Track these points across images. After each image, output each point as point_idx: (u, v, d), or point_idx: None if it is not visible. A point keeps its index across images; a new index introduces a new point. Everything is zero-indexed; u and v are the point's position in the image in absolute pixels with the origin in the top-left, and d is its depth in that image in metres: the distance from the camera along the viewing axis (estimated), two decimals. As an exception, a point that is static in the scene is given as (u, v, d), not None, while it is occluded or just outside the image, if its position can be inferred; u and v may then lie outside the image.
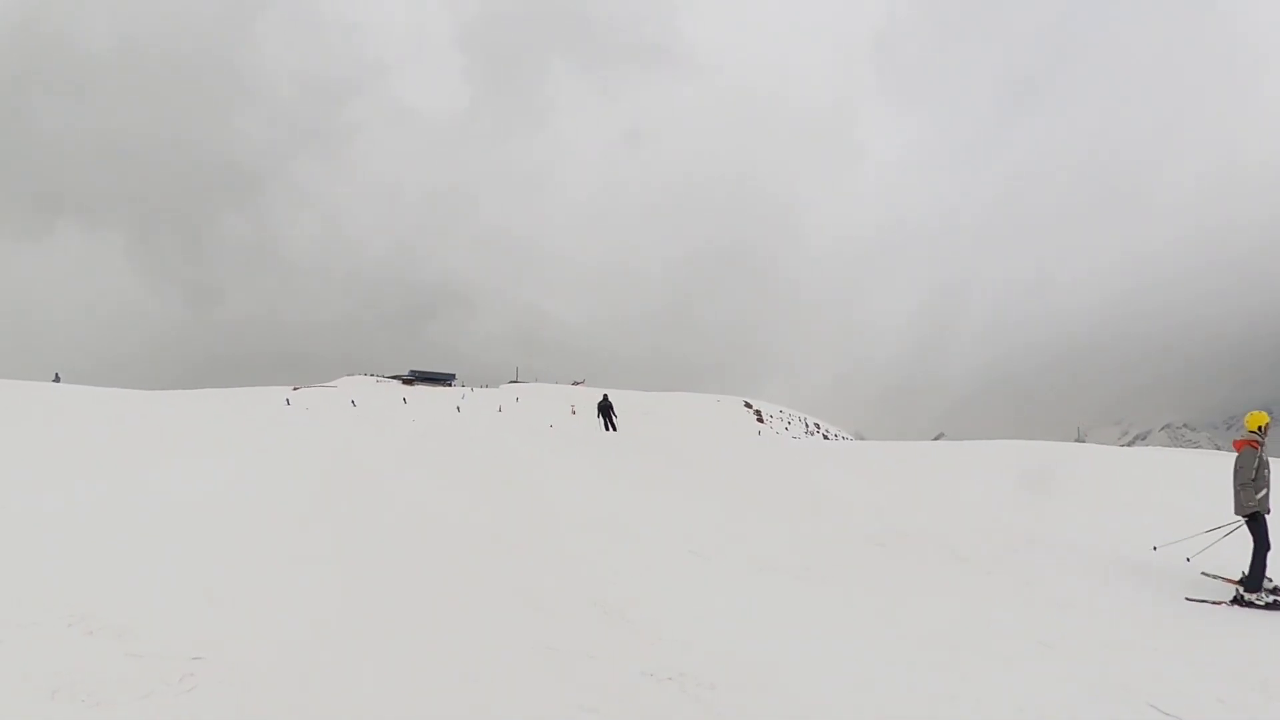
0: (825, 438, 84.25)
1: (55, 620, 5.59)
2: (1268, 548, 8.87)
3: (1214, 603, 8.85)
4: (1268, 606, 8.67)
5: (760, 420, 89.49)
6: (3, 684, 4.61)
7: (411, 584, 7.34)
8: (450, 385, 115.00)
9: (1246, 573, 8.93)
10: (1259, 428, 9.29)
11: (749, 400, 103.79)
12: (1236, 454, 9.23)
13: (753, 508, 12.22)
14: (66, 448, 12.88)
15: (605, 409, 33.43)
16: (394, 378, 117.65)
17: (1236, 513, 9.18)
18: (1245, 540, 9.03)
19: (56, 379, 44.47)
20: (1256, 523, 9.02)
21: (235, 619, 6.02)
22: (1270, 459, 9.16)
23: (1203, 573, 9.48)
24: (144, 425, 17.12)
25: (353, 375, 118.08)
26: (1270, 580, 8.88)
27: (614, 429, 32.40)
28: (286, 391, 75.67)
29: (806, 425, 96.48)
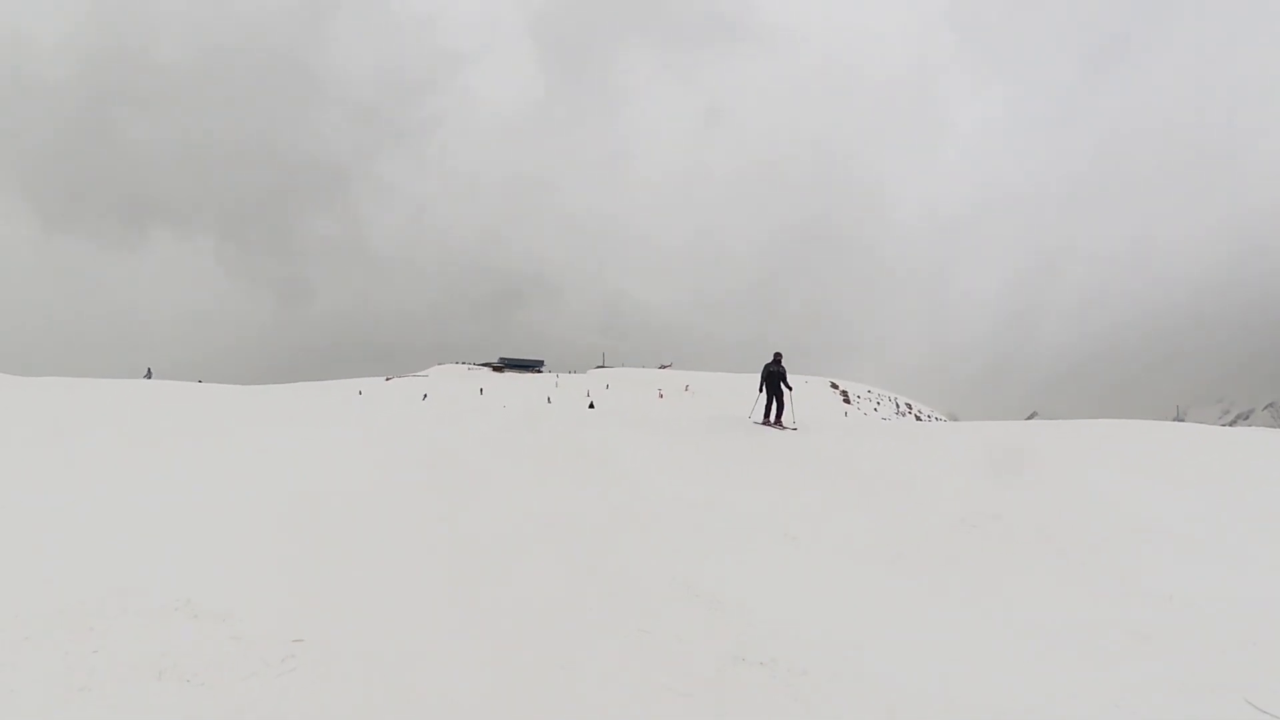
0: (917, 418, 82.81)
1: (161, 605, 5.93)
2: None
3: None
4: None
5: (847, 401, 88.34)
6: (111, 666, 4.93)
7: (506, 569, 7.52)
8: (539, 371, 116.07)
9: None
10: None
11: (835, 381, 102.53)
12: None
13: (843, 491, 12.11)
14: (162, 439, 13.41)
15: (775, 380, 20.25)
16: (484, 365, 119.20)
17: None
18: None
19: (148, 375, 45.50)
20: None
21: (336, 603, 6.28)
22: None
23: None
24: (239, 417, 17.73)
25: (444, 364, 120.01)
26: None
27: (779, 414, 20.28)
28: (379, 383, 77.40)
29: (897, 405, 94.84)
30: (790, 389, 20.16)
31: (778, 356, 20.14)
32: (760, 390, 20.20)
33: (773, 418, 19.82)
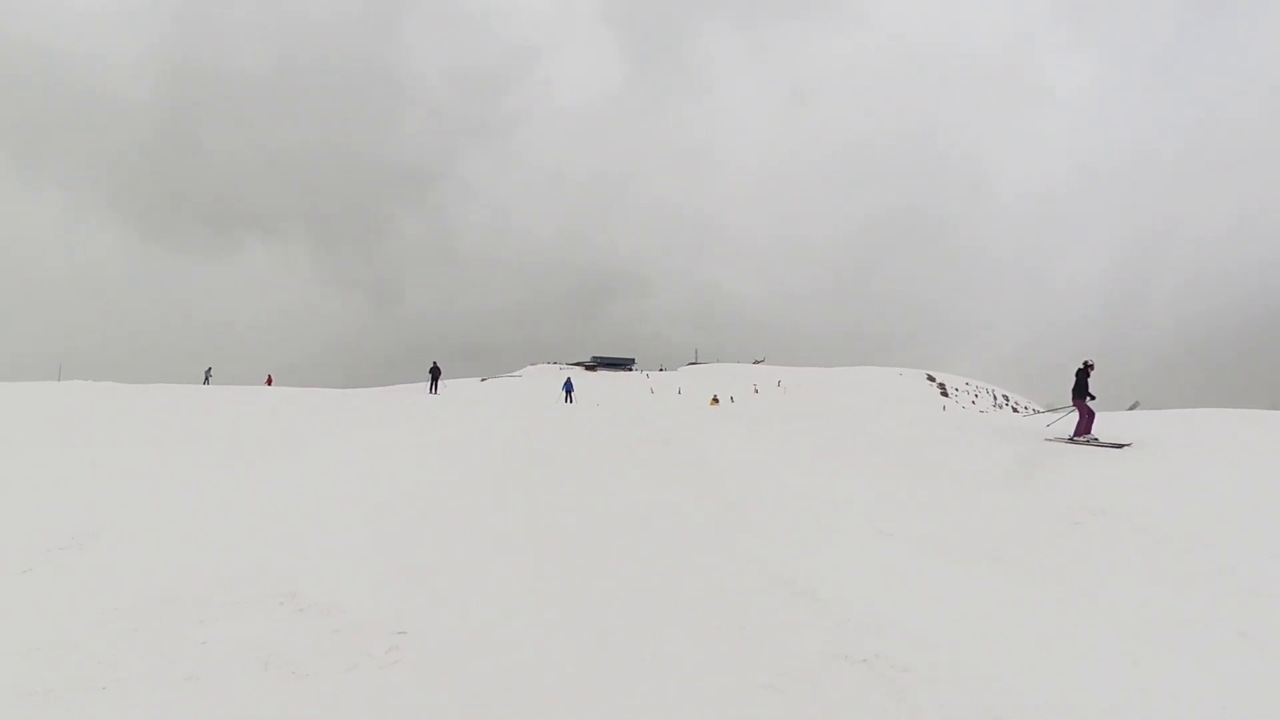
0: (1014, 410, 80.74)
1: (267, 599, 6.11)
2: None
3: None
4: None
5: (944, 394, 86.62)
6: (219, 656, 5.09)
7: (601, 564, 7.49)
8: (630, 370, 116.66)
9: None
10: None
11: (932, 373, 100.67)
12: None
13: (941, 486, 11.79)
14: (264, 440, 13.81)
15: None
16: (577, 364, 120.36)
17: None
18: None
19: (207, 377, 45.66)
20: None
21: (436, 597, 6.35)
22: None
23: None
24: (338, 418, 18.18)
25: (536, 364, 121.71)
26: None
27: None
28: (474, 384, 78.79)
29: (995, 398, 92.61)
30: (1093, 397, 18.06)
31: (1088, 365, 18.04)
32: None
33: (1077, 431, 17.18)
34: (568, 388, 40.60)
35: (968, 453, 14.68)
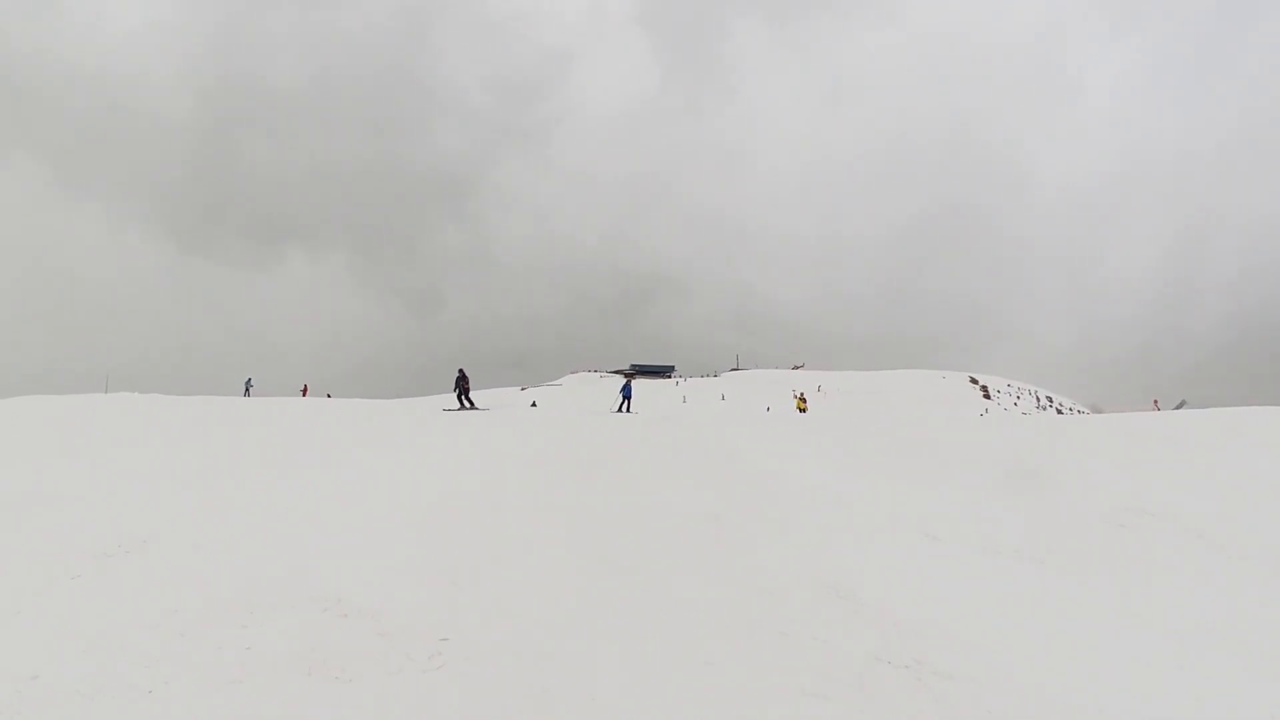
0: (1058, 411, 79.59)
1: (311, 604, 6.17)
2: None
3: None
4: None
5: (987, 396, 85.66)
6: (263, 660, 5.15)
7: (643, 570, 7.46)
8: (669, 377, 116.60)
9: None
10: None
11: (974, 375, 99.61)
12: None
13: (983, 488, 11.62)
14: (307, 448, 13.97)
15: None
16: (616, 372, 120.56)
17: None
18: None
19: (248, 389, 44.76)
20: None
21: (479, 602, 6.36)
22: None
23: None
24: (381, 428, 18.33)
25: (576, 372, 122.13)
26: None
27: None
28: (514, 392, 79.15)
29: (1038, 399, 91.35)
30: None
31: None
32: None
33: None
34: (626, 393, 34.06)
35: (1010, 454, 14.48)
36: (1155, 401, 21.73)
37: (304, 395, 45.34)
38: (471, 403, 29.06)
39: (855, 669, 5.39)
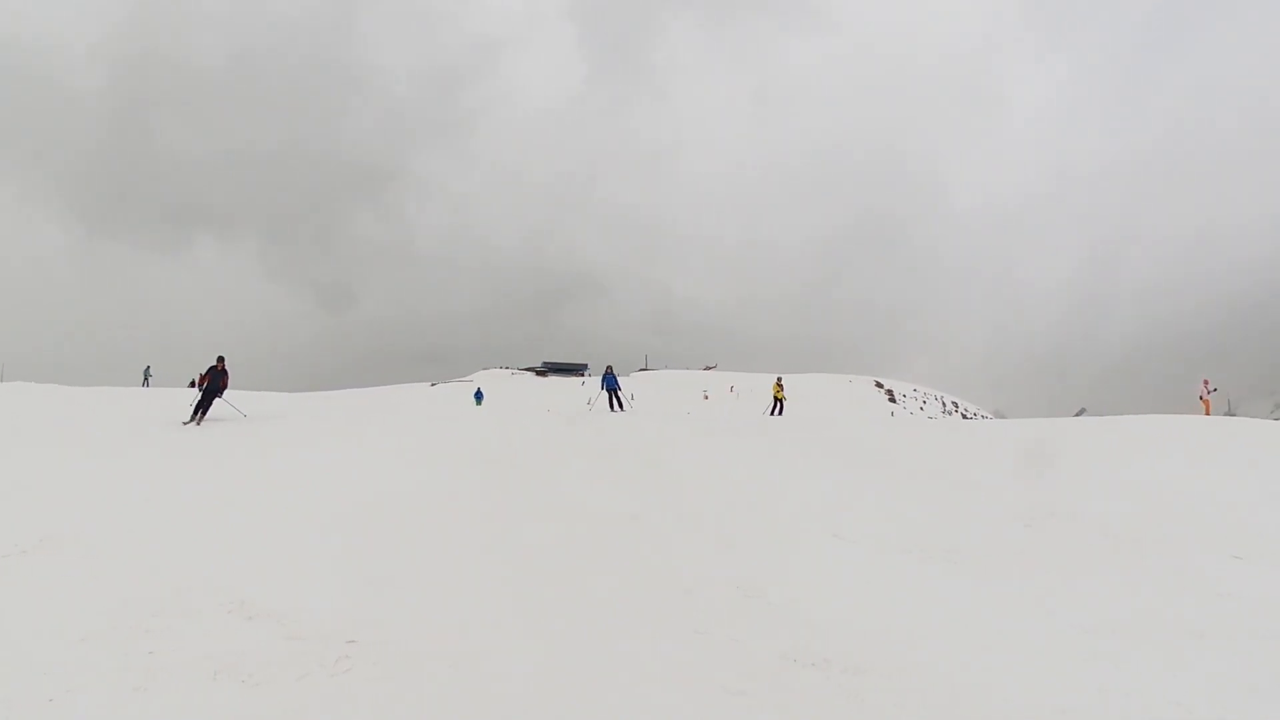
0: (964, 416, 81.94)
1: (216, 606, 6.01)
2: None
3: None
4: None
5: (892, 400, 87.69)
6: (168, 666, 4.99)
7: (557, 569, 7.50)
8: (582, 375, 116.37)
9: None
10: None
11: (880, 380, 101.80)
12: None
13: (891, 489, 11.95)
14: (213, 444, 13.62)
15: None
16: (528, 369, 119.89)
17: None
18: None
19: (146, 377, 42.77)
20: None
21: (390, 604, 6.30)
22: None
23: None
24: (293, 422, 17.96)
25: (488, 368, 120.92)
26: None
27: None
28: (424, 388, 78.05)
29: (943, 404, 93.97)
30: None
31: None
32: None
33: None
34: (610, 385, 26.53)
35: (916, 456, 14.91)
36: (1205, 381, 22.36)
37: (197, 385, 42.62)
38: (204, 408, 18.33)
39: (769, 667, 5.49)
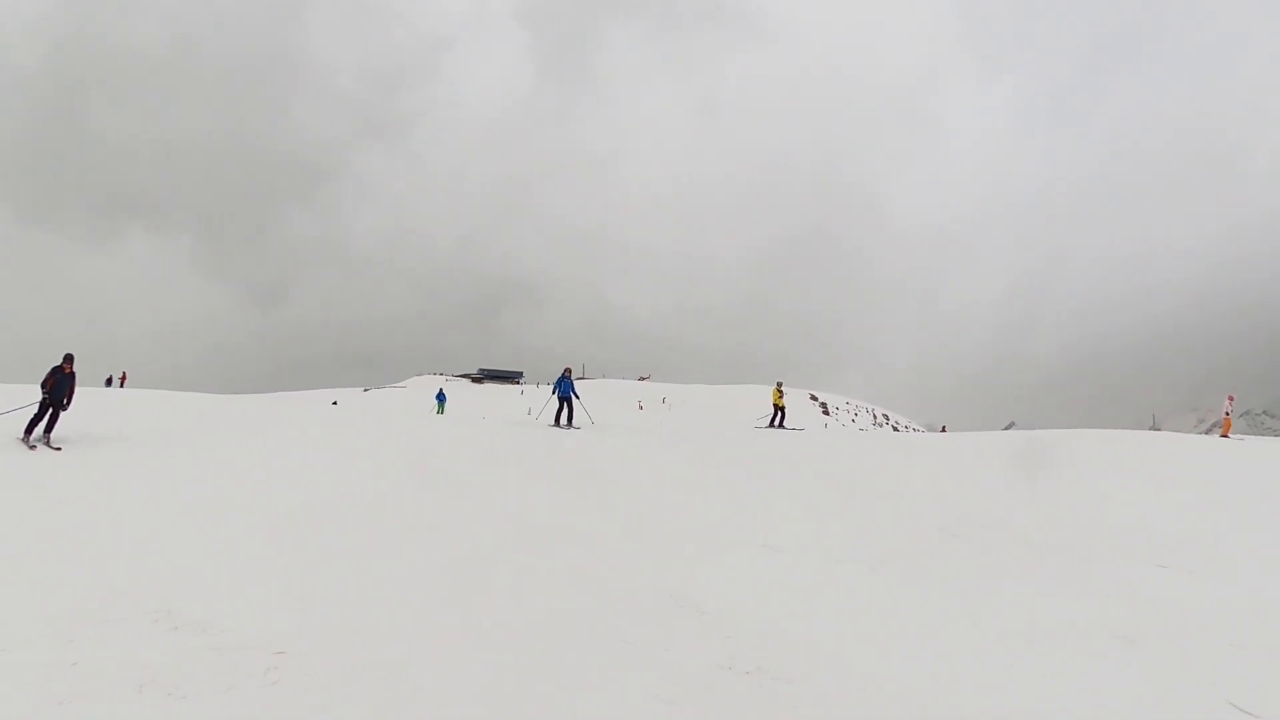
0: (895, 429, 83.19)
1: (141, 616, 5.89)
2: None
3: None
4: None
5: (826, 412, 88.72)
6: (91, 679, 4.89)
7: (494, 577, 7.51)
8: (518, 383, 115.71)
9: None
10: None
11: (814, 393, 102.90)
12: None
13: (821, 501, 12.15)
14: (140, 449, 13.28)
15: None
16: (463, 376, 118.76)
17: None
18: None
19: (109, 383, 41.45)
20: None
21: (321, 613, 6.25)
22: None
23: None
24: (219, 427, 17.60)
25: (422, 375, 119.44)
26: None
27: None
28: (357, 394, 76.88)
29: (875, 417, 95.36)
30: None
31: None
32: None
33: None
34: (565, 392, 20.97)
35: (846, 467, 15.15)
36: (1230, 398, 23.25)
37: (121, 385, 41.46)
38: (43, 421, 13.71)
39: (702, 676, 5.59)
